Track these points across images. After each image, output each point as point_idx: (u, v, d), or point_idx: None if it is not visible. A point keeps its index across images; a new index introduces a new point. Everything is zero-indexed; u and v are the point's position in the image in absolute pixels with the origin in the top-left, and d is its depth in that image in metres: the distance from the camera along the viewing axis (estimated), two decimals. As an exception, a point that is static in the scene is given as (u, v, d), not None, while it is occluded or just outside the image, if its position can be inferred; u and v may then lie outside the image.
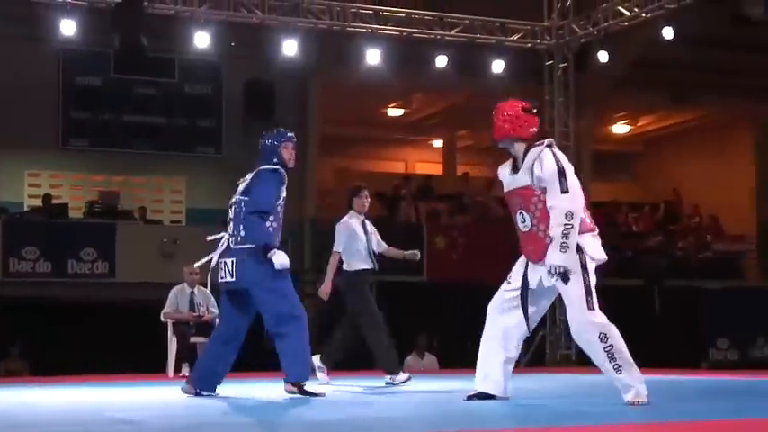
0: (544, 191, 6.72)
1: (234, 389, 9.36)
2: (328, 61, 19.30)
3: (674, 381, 10.65)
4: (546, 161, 6.83)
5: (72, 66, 18.97)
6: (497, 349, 7.02)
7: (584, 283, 6.64)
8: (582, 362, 16.40)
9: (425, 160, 26.73)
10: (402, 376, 10.01)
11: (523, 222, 6.85)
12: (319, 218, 19.88)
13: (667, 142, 25.54)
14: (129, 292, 17.35)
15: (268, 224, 8.43)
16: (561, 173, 6.73)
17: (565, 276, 6.61)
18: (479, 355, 7.13)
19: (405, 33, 16.53)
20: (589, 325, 6.65)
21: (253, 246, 8.27)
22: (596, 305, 6.65)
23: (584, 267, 6.64)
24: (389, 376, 10.04)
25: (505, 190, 7.07)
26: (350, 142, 25.04)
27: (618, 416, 6.26)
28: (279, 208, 8.59)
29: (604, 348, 6.63)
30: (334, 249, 10.37)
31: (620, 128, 25.72)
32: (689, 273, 21.61)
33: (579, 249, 6.65)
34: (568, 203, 6.63)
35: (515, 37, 17.27)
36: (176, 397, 8.57)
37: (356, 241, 10.29)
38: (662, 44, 16.66)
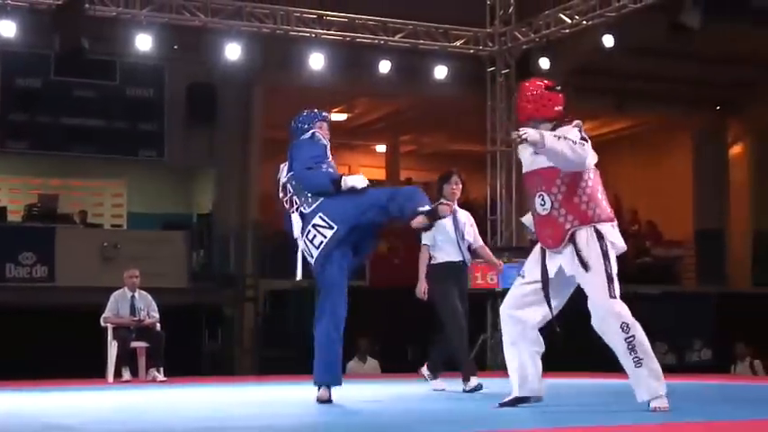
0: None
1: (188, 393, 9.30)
2: (271, 65, 19.27)
3: (612, 384, 10.76)
4: (572, 136, 6.61)
5: (11, 67, 18.74)
6: (525, 350, 6.77)
7: (606, 270, 6.47)
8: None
9: (368, 165, 26.74)
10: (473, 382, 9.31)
11: (543, 205, 6.61)
12: (262, 222, 19.84)
13: (607, 149, 25.74)
14: (68, 297, 17.17)
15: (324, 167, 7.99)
16: (585, 143, 6.65)
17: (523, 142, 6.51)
18: (509, 360, 6.80)
19: (348, 38, 16.55)
20: (612, 313, 6.52)
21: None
22: (618, 294, 6.53)
23: (605, 255, 6.46)
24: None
25: (525, 170, 6.88)
26: (293, 146, 24.98)
27: (558, 420, 6.32)
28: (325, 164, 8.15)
29: (626, 339, 6.55)
30: (423, 242, 9.63)
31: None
32: (628, 278, 21.76)
33: (600, 236, 6.49)
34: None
35: (458, 43, 17.36)
36: (115, 402, 8.51)
37: (442, 232, 9.42)
38: (603, 52, 16.84)
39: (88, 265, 17.53)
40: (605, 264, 6.46)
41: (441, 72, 17.20)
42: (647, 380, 6.49)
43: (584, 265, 6.46)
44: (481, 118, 17.84)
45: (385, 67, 16.74)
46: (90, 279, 16.89)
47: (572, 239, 6.53)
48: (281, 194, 8.25)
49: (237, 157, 20.20)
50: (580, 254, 6.46)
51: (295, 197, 8.07)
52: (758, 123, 23.56)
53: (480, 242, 9.84)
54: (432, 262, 9.62)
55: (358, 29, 16.59)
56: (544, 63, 17.25)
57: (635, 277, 21.94)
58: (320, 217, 7.79)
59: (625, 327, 6.55)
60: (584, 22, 16.26)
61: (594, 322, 6.62)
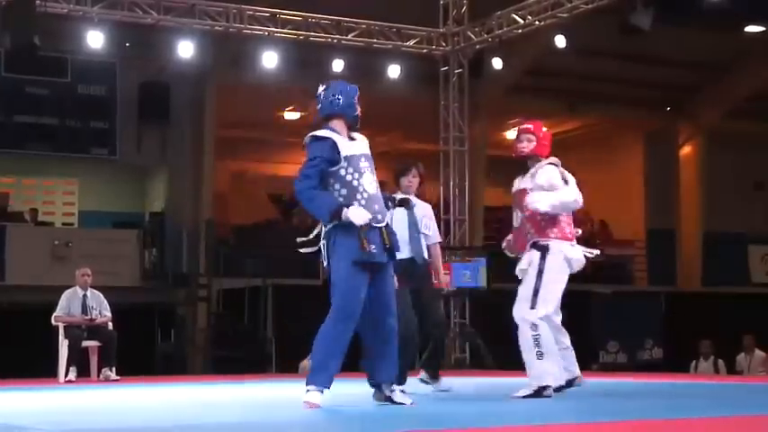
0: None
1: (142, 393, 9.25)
2: (225, 64, 19.20)
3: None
4: (549, 174, 8.21)
5: (-38, 65, 18.53)
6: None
7: (535, 286, 7.67)
8: (475, 365, 16.64)
9: (321, 164, 26.70)
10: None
11: (516, 219, 7.93)
12: (215, 221, 19.77)
13: (560, 149, 25.72)
14: (19, 295, 17.04)
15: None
16: (565, 182, 8.08)
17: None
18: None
19: (302, 37, 16.54)
20: (523, 320, 7.60)
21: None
22: (540, 307, 7.69)
23: (539, 272, 7.72)
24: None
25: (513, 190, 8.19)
26: (246, 145, 24.91)
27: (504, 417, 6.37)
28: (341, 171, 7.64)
29: (533, 335, 7.52)
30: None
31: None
32: (580, 277, 21.91)
33: (543, 256, 7.70)
34: (571, 194, 8.21)
35: (411, 42, 17.40)
36: (67, 402, 8.46)
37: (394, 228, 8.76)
38: (555, 52, 16.97)
39: (39, 263, 17.39)
40: (536, 280, 7.70)
41: (394, 71, 17.24)
42: (543, 372, 7.44)
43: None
44: (434, 117, 17.90)
45: (338, 65, 16.74)
46: (41, 277, 16.76)
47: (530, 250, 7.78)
48: None
49: (190, 155, 20.11)
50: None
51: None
52: (708, 125, 23.82)
53: (436, 239, 9.32)
54: None
55: (312, 27, 16.58)
56: (497, 63, 17.35)
57: (587, 276, 22.04)
58: None
59: (533, 327, 7.57)
60: (537, 23, 16.36)
61: (516, 318, 7.71)
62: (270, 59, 16.25)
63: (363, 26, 16.88)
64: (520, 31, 16.71)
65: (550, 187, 7.97)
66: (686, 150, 24.36)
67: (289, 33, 16.41)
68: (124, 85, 19.32)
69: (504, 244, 8.20)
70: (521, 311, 7.63)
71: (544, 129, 8.63)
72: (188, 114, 20.01)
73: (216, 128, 20.42)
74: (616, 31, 15.75)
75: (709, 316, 19.83)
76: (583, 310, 19.20)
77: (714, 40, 20.77)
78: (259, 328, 17.53)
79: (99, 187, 20.71)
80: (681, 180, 24.20)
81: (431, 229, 9.20)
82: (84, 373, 12.99)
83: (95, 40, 15.37)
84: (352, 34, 16.83)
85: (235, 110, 21.54)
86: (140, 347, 16.85)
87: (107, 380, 12.58)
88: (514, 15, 16.60)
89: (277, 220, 22.12)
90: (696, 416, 6.34)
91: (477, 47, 17.48)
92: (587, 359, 18.41)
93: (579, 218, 26.19)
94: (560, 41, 16.33)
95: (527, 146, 8.32)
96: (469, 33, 17.38)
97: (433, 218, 9.38)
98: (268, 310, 17.29)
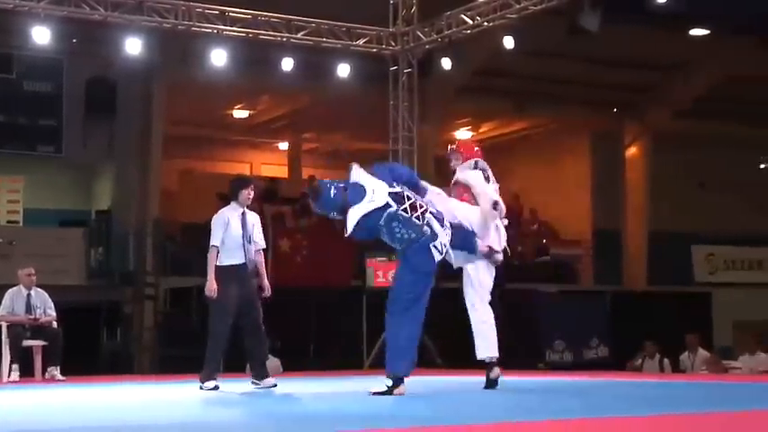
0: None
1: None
2: (173, 61, 19.09)
3: (510, 382, 10.92)
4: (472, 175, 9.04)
5: None
6: None
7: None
8: (423, 364, 16.66)
9: (270, 162, 26.69)
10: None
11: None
12: (163, 219, 19.65)
13: (508, 149, 26.09)
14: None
15: None
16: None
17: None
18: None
19: (251, 35, 16.48)
20: None
21: None
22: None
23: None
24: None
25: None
26: (194, 143, 24.81)
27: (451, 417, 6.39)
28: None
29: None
30: (212, 244, 9.68)
31: (463, 134, 26.16)
32: (527, 276, 22.14)
33: None
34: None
35: (361, 42, 17.40)
36: (10, 402, 8.38)
37: (230, 234, 9.70)
38: (504, 53, 17.04)
39: (-17, 261, 17.18)
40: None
41: (343, 70, 17.23)
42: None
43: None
44: (384, 116, 17.92)
45: (288, 64, 16.70)
46: (-15, 275, 16.56)
47: None
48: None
49: (137, 153, 19.98)
50: None
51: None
52: (653, 125, 24.07)
53: (262, 245, 10.02)
54: (217, 263, 9.69)
55: (261, 26, 16.52)
56: (446, 63, 17.40)
57: (534, 276, 22.29)
58: None
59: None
60: (486, 24, 16.43)
61: None
62: (219, 57, 16.17)
63: (313, 25, 16.85)
64: (469, 31, 16.77)
65: (464, 182, 8.95)
66: (632, 151, 24.60)
67: (238, 31, 16.34)
68: (71, 82, 19.15)
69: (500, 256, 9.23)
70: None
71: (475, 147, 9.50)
72: (135, 112, 19.88)
73: (164, 125, 20.31)
74: (564, 32, 15.88)
75: (654, 315, 20.03)
76: (529, 310, 19.35)
77: (660, 41, 20.98)
78: (207, 327, 17.41)
79: (45, 185, 20.50)
80: (626, 180, 24.43)
81: (259, 238, 9.96)
82: (28, 373, 12.86)
83: (42, 35, 15.20)
84: (302, 33, 16.79)
85: (183, 108, 21.44)
86: (86, 346, 16.71)
87: (52, 379, 12.46)
88: (463, 16, 16.65)
89: (225, 218, 22.00)
90: (640, 414, 6.41)
91: (427, 47, 17.51)
92: (534, 358, 18.55)
93: (526, 218, 26.54)
94: (509, 42, 16.41)
95: (455, 163, 9.24)
96: (419, 33, 17.41)
97: (260, 227, 10.11)
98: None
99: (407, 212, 8.00)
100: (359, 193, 7.99)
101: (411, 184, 8.36)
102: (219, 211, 9.88)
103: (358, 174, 8.13)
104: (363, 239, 8.56)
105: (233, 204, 9.91)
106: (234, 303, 9.63)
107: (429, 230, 8.03)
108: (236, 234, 9.65)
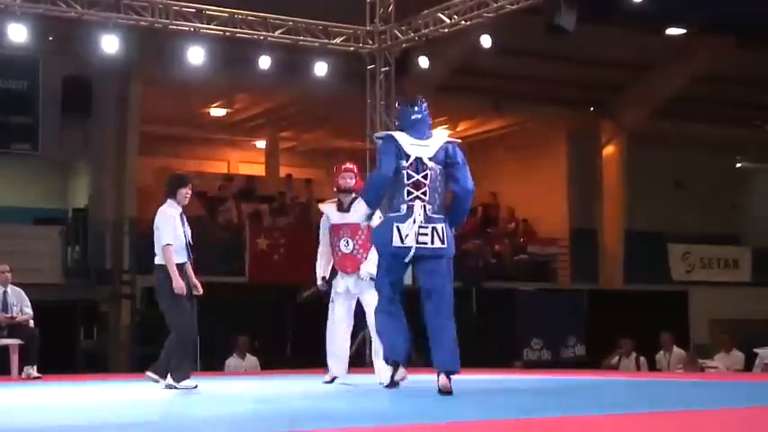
0: (368, 227, 9.09)
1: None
2: (150, 59, 19.03)
3: (486, 380, 10.94)
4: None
5: None
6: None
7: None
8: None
9: (248, 161, 26.63)
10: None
11: (347, 246, 9.58)
12: (139, 218, 19.58)
13: (485, 147, 26.13)
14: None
15: None
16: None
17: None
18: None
19: (228, 33, 16.45)
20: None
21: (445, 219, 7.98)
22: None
23: None
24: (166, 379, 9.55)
25: (335, 222, 9.72)
26: (171, 141, 24.73)
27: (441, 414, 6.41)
28: None
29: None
30: (167, 242, 9.58)
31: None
32: (504, 275, 22.20)
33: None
34: None
35: (338, 40, 17.40)
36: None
37: (179, 233, 9.73)
38: (481, 52, 17.08)
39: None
40: None
41: (321, 69, 17.22)
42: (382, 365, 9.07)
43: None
44: (361, 115, 17.92)
45: (265, 62, 16.68)
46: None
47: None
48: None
49: (114, 151, 19.90)
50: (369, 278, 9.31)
51: (426, 189, 7.96)
52: (630, 124, 24.16)
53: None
54: (161, 262, 9.65)
55: (238, 24, 16.49)
56: (423, 62, 17.43)
57: (511, 274, 22.35)
58: None
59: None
60: (463, 23, 16.46)
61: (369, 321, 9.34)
62: (196, 55, 16.13)
63: (290, 23, 16.84)
64: (446, 30, 16.80)
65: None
66: (609, 150, 24.68)
67: (215, 29, 16.31)
68: (47, 80, 19.06)
69: (320, 282, 9.91)
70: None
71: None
72: (112, 110, 19.81)
73: (140, 124, 20.24)
74: (541, 31, 15.91)
75: (630, 314, 20.11)
76: (506, 308, 19.40)
77: (636, 41, 21.08)
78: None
79: (20, 183, 20.39)
80: (603, 179, 24.51)
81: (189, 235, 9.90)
82: (4, 372, 12.80)
83: (17, 33, 15.13)
84: (279, 31, 16.78)
85: (160, 106, 21.36)
86: (62, 345, 16.64)
87: (28, 378, 12.41)
88: (441, 15, 16.68)
89: (202, 217, 21.96)
90: (618, 412, 6.44)
91: (404, 45, 17.53)
92: (511, 356, 18.61)
93: (504, 216, 26.61)
94: (486, 41, 16.44)
95: (350, 182, 9.68)
96: (396, 32, 17.43)
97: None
98: (193, 308, 17.14)
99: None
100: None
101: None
102: (163, 210, 9.70)
103: None
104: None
105: (171, 202, 9.77)
106: (188, 300, 9.68)
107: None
108: (180, 233, 9.61)
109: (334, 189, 9.74)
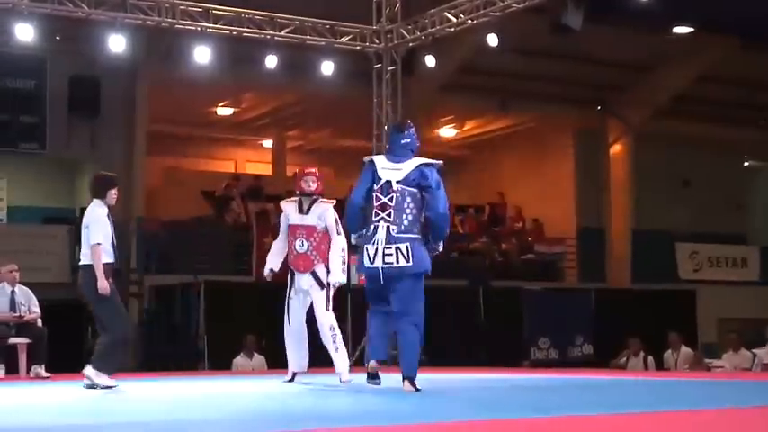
0: (324, 230, 9.83)
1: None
2: (157, 58, 19.06)
3: (493, 379, 10.94)
4: (330, 214, 9.89)
5: None
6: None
7: (327, 293, 9.79)
8: (396, 362, 16.68)
9: (255, 160, 26.67)
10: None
11: (302, 246, 9.83)
12: (147, 217, 19.62)
13: (492, 146, 26.15)
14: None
15: None
16: (338, 222, 9.75)
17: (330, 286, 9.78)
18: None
19: (235, 32, 16.46)
20: (327, 319, 9.76)
21: (419, 236, 8.34)
22: (331, 307, 9.82)
23: (328, 285, 9.77)
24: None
25: (293, 223, 9.95)
26: (178, 141, 24.77)
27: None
28: None
29: (331, 335, 9.68)
30: (97, 242, 9.38)
31: (447, 131, 26.20)
32: (512, 274, 22.18)
33: (328, 271, 9.75)
34: (343, 241, 9.74)
35: (345, 39, 17.40)
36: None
37: (108, 233, 9.54)
38: (488, 51, 17.07)
39: (-34, 259, 17.10)
40: (327, 288, 9.79)
41: (327, 68, 17.22)
42: (343, 362, 9.71)
43: (320, 285, 9.78)
44: (367, 114, 17.93)
45: (272, 62, 16.68)
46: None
47: (313, 270, 9.82)
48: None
49: (121, 150, 19.92)
50: (318, 278, 9.79)
51: (391, 211, 8.34)
52: (637, 123, 24.14)
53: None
54: (89, 262, 9.50)
55: (245, 23, 16.50)
56: (430, 61, 17.42)
57: (518, 273, 22.34)
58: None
59: (332, 328, 9.74)
60: (470, 21, 16.44)
61: (318, 321, 9.82)
62: (202, 55, 16.14)
63: (297, 23, 16.84)
64: (453, 29, 16.79)
65: (321, 220, 9.83)
66: (616, 149, 24.66)
67: (222, 29, 16.32)
68: (54, 79, 19.10)
69: (267, 272, 10.17)
70: (324, 313, 9.75)
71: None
72: (119, 109, 19.83)
73: (147, 123, 20.28)
74: (547, 30, 15.91)
75: (638, 313, 20.08)
76: (514, 307, 19.38)
77: (643, 40, 21.06)
78: (191, 324, 17.43)
79: (28, 182, 20.43)
80: (611, 178, 24.49)
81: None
82: (13, 371, 12.81)
83: (25, 33, 15.15)
84: (286, 30, 16.78)
85: (167, 105, 21.40)
86: (70, 344, 16.65)
87: (37, 377, 12.42)
88: (447, 14, 16.67)
89: (209, 216, 22.01)
90: (624, 411, 6.44)
91: (411, 45, 17.53)
92: (518, 355, 18.60)
93: (512, 216, 26.58)
94: (492, 40, 16.43)
95: (312, 186, 9.89)
96: (403, 31, 17.43)
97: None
98: (200, 307, 17.20)
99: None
100: None
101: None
102: (94, 209, 9.57)
103: None
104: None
105: (99, 202, 9.62)
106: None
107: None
108: (109, 233, 9.50)
109: (297, 192, 9.99)
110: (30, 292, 13.13)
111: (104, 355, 9.44)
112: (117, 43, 15.59)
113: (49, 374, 12.54)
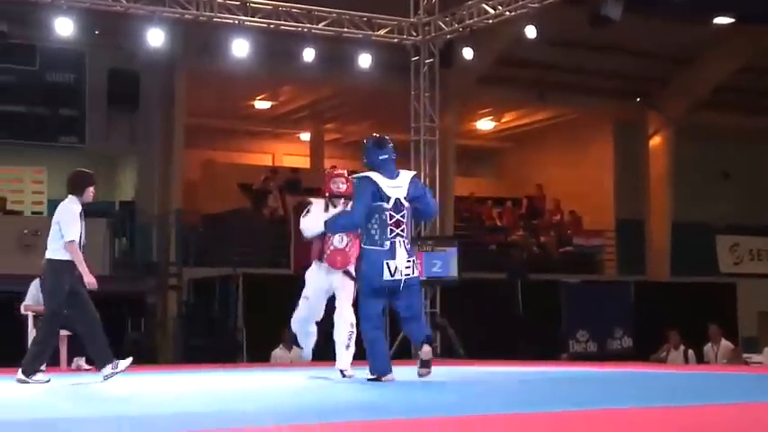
0: None
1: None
2: (195, 52, 19.13)
3: (531, 372, 10.90)
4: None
5: (-72, 51, 18.33)
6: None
7: (354, 288, 9.66)
8: (446, 355, 16.68)
9: (292, 153, 26.72)
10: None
11: (341, 241, 9.65)
12: (185, 210, 19.71)
13: (531, 139, 26.06)
14: (-13, 285, 16.90)
15: None
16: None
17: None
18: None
19: (272, 26, 16.49)
20: (349, 314, 9.67)
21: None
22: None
23: (355, 279, 9.62)
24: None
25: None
26: (216, 134, 24.87)
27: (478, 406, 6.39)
28: None
29: (348, 332, 9.60)
30: (71, 239, 9.40)
31: (485, 124, 26.13)
32: (550, 267, 22.10)
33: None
34: None
35: (382, 32, 17.38)
36: (33, 391, 8.41)
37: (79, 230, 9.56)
38: (526, 43, 16.99)
39: (8, 252, 17.25)
40: (355, 283, 9.61)
41: (365, 60, 17.21)
42: (345, 359, 9.62)
43: (351, 278, 9.65)
44: (405, 107, 17.91)
45: (309, 55, 16.69)
46: (10, 266, 16.60)
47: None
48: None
49: (160, 143, 20.03)
50: (349, 272, 9.68)
51: (404, 226, 8.93)
52: (676, 115, 23.95)
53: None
54: (58, 258, 9.53)
55: (282, 16, 16.53)
56: (467, 53, 17.36)
57: (557, 266, 22.25)
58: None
59: (352, 325, 9.58)
60: (507, 13, 16.37)
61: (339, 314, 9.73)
62: (240, 48, 16.18)
63: (334, 15, 16.84)
64: (490, 21, 16.72)
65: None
66: (656, 141, 24.49)
67: (259, 22, 16.36)
68: (93, 73, 19.22)
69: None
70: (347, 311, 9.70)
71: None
72: (157, 102, 19.93)
73: (186, 116, 20.35)
74: (586, 21, 15.81)
75: (677, 305, 19.96)
76: (552, 300, 19.31)
77: (683, 31, 20.88)
78: (230, 317, 17.51)
79: (67, 176, 20.56)
80: (650, 170, 24.33)
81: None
82: (54, 363, 12.91)
83: (64, 27, 15.26)
84: (323, 23, 16.79)
85: (205, 98, 21.48)
86: (109, 337, 16.72)
87: (78, 369, 12.51)
88: (485, 5, 16.60)
89: (247, 209, 22.09)
90: (667, 404, 6.39)
91: (448, 37, 17.48)
92: (557, 349, 18.53)
93: (550, 208, 26.51)
94: (531, 32, 16.35)
95: (342, 188, 9.85)
96: (440, 23, 17.39)
97: None
98: (238, 300, 17.27)
99: None
100: None
101: None
102: (68, 206, 9.55)
103: None
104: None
105: (74, 199, 9.61)
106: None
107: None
108: (80, 230, 9.51)
109: (326, 194, 10.02)
110: (70, 284, 13.20)
111: (33, 351, 9.54)
112: (155, 37, 15.67)
113: (89, 366, 12.62)
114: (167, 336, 18.69)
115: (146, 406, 7.03)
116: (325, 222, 9.34)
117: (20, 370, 9.44)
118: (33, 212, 19.87)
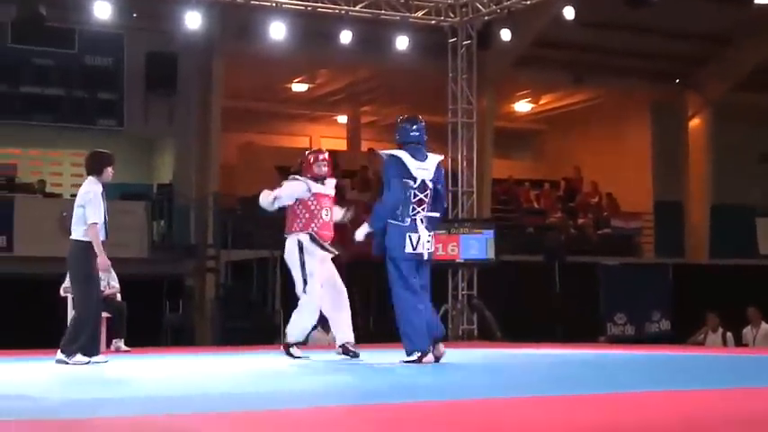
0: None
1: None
2: (232, 34, 19.16)
3: (569, 354, 10.88)
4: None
5: (-33, 35, 18.49)
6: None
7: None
8: (484, 337, 16.69)
9: (330, 135, 26.74)
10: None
11: (327, 215, 10.37)
12: (223, 193, 19.79)
13: (568, 121, 25.92)
14: (27, 267, 17.07)
15: None
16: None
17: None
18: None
19: (309, 8, 16.48)
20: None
21: None
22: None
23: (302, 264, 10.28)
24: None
25: (318, 191, 10.45)
26: (254, 117, 24.92)
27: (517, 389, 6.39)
28: None
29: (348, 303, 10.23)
30: (94, 221, 9.46)
31: (523, 106, 26.04)
32: (588, 249, 22.01)
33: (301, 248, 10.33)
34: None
35: (420, 14, 17.35)
36: (74, 372, 8.50)
37: (102, 212, 9.65)
38: (563, 24, 16.90)
39: (47, 234, 17.36)
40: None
41: (402, 43, 17.18)
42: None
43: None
44: (443, 89, 17.86)
45: (346, 37, 16.69)
46: (49, 249, 16.70)
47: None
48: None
49: (197, 126, 20.10)
50: None
51: (426, 204, 9.22)
52: (715, 97, 23.75)
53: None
54: (82, 238, 9.55)
55: (319, -1, 16.53)
56: (505, 35, 17.29)
57: (594, 248, 22.15)
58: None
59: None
60: (546, -6, 16.30)
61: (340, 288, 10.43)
62: (277, 30, 16.20)
63: (371, -3, 16.82)
64: (528, 2, 16.66)
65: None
66: (695, 123, 24.31)
67: (296, 4, 16.37)
68: (131, 56, 19.31)
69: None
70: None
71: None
72: (195, 85, 19.99)
73: (223, 99, 20.40)
74: (623, 2, 15.69)
75: (716, 288, 19.82)
76: (590, 283, 19.23)
77: (722, 11, 20.67)
78: (267, 299, 17.58)
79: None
80: (689, 152, 24.16)
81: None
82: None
83: (102, 10, 15.35)
84: (360, 5, 16.78)
85: (242, 81, 21.52)
86: (149, 319, 16.89)
87: (118, 351, 12.63)
88: (523, -14, 16.53)
89: (285, 191, 22.10)
90: (706, 387, 6.36)
91: (486, 18, 17.42)
92: (595, 331, 18.47)
93: (587, 191, 26.41)
94: (569, 12, 16.26)
95: (324, 170, 10.52)
96: (478, 5, 17.32)
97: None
98: (276, 282, 17.32)
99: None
100: None
101: None
102: (90, 187, 9.60)
103: None
104: None
105: (95, 180, 9.68)
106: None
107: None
108: (103, 211, 9.58)
109: (308, 175, 10.40)
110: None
111: (71, 334, 9.55)
112: (193, 20, 15.72)
113: (129, 348, 12.74)
114: (205, 318, 18.80)
115: (179, 388, 7.08)
116: (372, 219, 9.50)
117: (59, 350, 9.52)
118: (72, 195, 19.99)
